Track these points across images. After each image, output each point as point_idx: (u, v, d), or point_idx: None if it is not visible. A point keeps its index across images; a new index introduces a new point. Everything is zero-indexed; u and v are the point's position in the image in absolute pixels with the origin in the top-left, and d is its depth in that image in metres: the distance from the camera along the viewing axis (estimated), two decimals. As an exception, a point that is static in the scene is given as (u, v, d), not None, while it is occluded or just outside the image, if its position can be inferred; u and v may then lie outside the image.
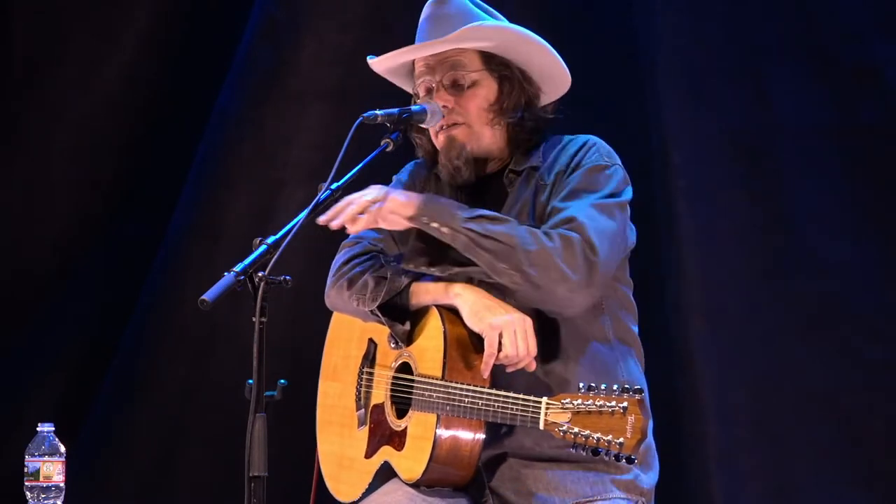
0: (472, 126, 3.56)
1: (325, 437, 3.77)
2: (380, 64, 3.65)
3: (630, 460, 3.02)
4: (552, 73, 3.60)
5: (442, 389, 3.34)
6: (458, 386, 3.32)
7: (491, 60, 3.57)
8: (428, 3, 3.64)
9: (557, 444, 3.28)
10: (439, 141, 3.59)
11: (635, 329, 3.60)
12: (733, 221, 4.98)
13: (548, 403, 3.13)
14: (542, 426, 3.13)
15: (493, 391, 3.27)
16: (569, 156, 3.54)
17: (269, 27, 5.56)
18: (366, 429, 3.59)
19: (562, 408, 3.10)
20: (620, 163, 3.54)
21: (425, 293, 3.47)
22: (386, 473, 3.52)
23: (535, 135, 3.60)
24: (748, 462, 4.91)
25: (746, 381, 4.94)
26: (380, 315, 3.49)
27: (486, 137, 3.57)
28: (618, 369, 3.51)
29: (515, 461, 3.47)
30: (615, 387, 3.06)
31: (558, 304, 3.38)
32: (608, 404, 3.04)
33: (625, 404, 3.02)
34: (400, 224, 3.45)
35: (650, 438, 3.54)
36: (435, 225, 3.40)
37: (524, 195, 3.54)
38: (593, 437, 3.03)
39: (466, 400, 3.29)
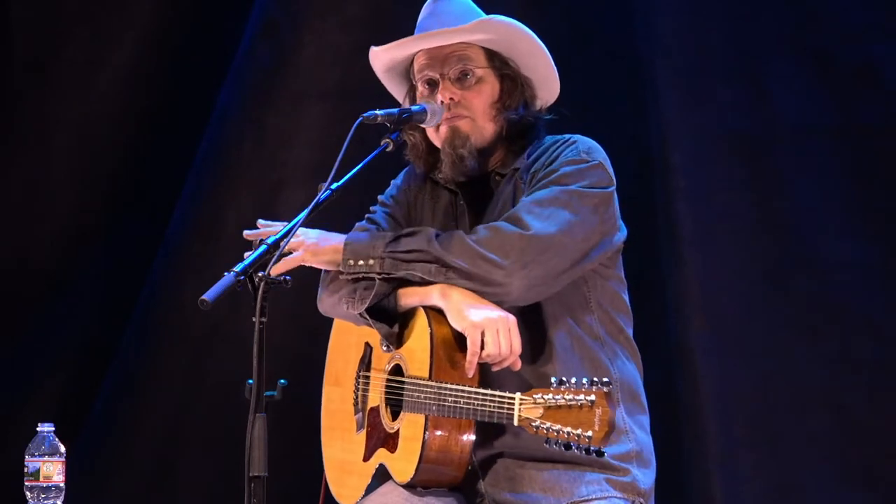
0: (476, 120, 3.56)
1: (329, 442, 3.78)
2: (384, 53, 3.63)
3: (599, 453, 3.01)
4: (546, 77, 3.61)
5: (429, 390, 3.34)
6: (443, 385, 3.32)
7: (494, 58, 3.57)
8: (428, 0, 3.65)
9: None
10: (441, 133, 3.57)
11: (629, 331, 3.58)
12: (733, 221, 4.98)
13: (521, 399, 3.12)
14: (516, 422, 3.12)
15: (474, 389, 3.27)
16: (548, 154, 3.54)
17: (269, 27, 5.56)
18: (363, 432, 3.60)
19: (534, 403, 3.09)
20: (603, 158, 3.50)
21: (412, 294, 3.45)
22: (384, 475, 3.52)
23: (530, 133, 3.61)
24: (748, 462, 4.91)
25: (746, 381, 4.94)
26: (368, 318, 3.48)
27: (488, 132, 3.57)
28: (609, 368, 3.50)
29: (510, 461, 3.46)
30: (584, 380, 3.04)
31: (496, 292, 3.36)
32: (577, 398, 3.02)
33: (592, 397, 3.01)
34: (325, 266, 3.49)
35: (648, 437, 3.54)
36: (361, 263, 3.40)
37: (504, 194, 3.55)
38: (564, 432, 3.03)
39: (450, 399, 3.29)
